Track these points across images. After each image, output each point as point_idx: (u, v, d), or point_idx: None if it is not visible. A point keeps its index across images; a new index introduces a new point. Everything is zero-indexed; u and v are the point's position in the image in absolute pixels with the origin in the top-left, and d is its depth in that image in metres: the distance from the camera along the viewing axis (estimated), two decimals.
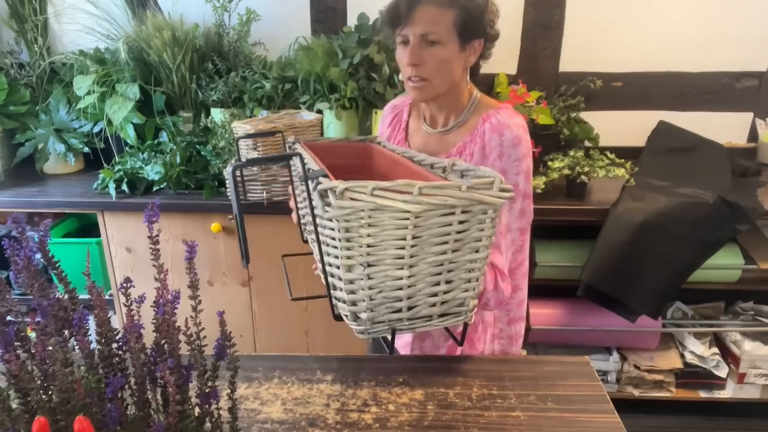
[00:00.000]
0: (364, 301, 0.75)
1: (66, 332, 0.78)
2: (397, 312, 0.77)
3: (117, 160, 2.18)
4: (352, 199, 0.69)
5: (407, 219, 0.71)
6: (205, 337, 0.79)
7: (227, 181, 0.67)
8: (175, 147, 2.09)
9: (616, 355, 2.23)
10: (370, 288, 0.74)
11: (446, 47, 1.14)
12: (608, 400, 1.11)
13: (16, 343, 0.74)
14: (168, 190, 2.08)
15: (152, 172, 2.06)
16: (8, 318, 0.76)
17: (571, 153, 2.09)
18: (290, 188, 1.23)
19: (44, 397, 0.72)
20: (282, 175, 1.96)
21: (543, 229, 2.10)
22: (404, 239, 0.72)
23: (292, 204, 1.26)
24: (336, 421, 1.05)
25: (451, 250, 0.76)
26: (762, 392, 2.24)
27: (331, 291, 0.82)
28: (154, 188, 2.09)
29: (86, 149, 2.29)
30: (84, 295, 0.79)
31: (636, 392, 2.25)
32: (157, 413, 0.78)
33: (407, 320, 0.78)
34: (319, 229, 0.79)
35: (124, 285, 0.78)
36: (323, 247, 0.80)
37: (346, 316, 0.78)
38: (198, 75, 2.24)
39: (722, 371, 2.22)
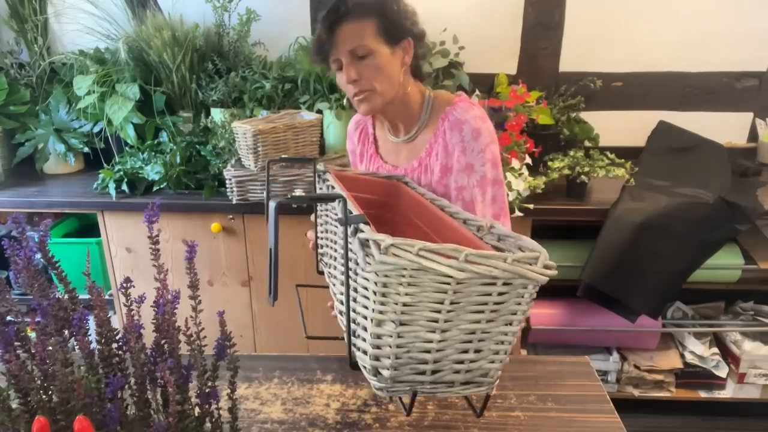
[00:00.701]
0: (389, 358, 0.73)
1: (66, 332, 0.78)
2: (421, 374, 0.76)
3: (117, 160, 2.18)
4: (395, 255, 0.67)
5: (449, 284, 0.69)
6: (205, 337, 0.79)
7: (269, 217, 0.64)
8: (175, 147, 2.09)
9: (616, 355, 2.23)
10: (398, 346, 0.73)
11: (377, 55, 1.16)
12: (608, 400, 1.11)
13: (16, 343, 0.74)
14: (168, 190, 2.08)
15: (152, 172, 2.06)
16: (8, 318, 0.76)
17: (571, 153, 2.09)
18: (312, 217, 1.22)
19: (44, 397, 0.72)
20: (282, 176, 1.96)
21: (543, 229, 2.10)
22: (442, 303, 0.71)
23: (311, 234, 1.25)
24: (336, 421, 1.05)
25: (485, 320, 0.74)
26: (762, 392, 2.24)
27: (353, 338, 0.80)
28: (154, 188, 2.09)
29: (86, 149, 2.29)
30: (84, 295, 0.79)
31: (636, 392, 2.25)
32: (157, 413, 0.78)
33: (429, 383, 0.77)
34: (352, 275, 0.77)
35: (124, 285, 0.78)
36: (352, 293, 0.79)
37: (365, 367, 0.76)
38: (198, 75, 2.24)
39: (722, 371, 2.22)
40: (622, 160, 2.04)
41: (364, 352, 0.77)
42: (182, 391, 0.74)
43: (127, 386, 0.76)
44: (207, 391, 0.76)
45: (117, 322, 2.19)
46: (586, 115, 2.31)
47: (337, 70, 1.20)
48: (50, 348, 0.72)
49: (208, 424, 0.79)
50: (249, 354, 1.29)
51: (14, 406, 0.72)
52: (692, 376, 2.24)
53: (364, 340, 0.76)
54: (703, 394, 2.26)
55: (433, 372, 0.75)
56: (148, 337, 0.74)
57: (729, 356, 2.26)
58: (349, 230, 0.75)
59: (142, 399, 0.75)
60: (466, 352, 0.75)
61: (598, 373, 1.22)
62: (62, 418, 0.70)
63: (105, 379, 0.75)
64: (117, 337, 0.78)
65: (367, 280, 0.72)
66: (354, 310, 0.79)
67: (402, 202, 1.24)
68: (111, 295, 2.19)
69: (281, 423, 1.05)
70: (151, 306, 0.77)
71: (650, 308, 2.03)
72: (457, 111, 1.22)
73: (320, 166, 1.19)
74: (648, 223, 1.93)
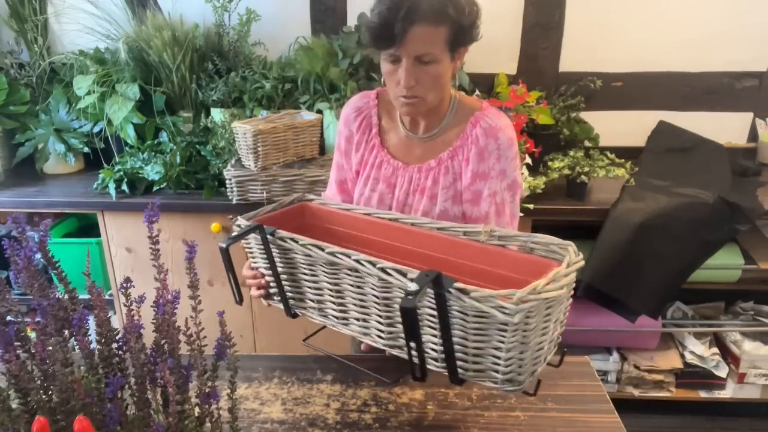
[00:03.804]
0: (521, 367, 0.88)
1: (66, 332, 0.77)
2: (537, 364, 0.92)
3: (117, 160, 2.18)
4: (525, 302, 0.81)
5: (554, 299, 0.86)
6: (205, 337, 0.79)
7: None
8: (175, 147, 2.09)
9: (616, 355, 2.23)
10: (529, 359, 0.88)
11: (439, 64, 1.11)
12: (608, 400, 1.11)
13: (16, 343, 0.74)
14: (168, 190, 2.08)
15: (152, 172, 2.06)
16: (8, 318, 0.76)
17: (571, 153, 2.09)
18: (247, 270, 1.18)
19: (44, 397, 0.72)
20: (282, 176, 1.97)
21: (543, 229, 2.09)
22: (550, 315, 0.88)
23: (254, 282, 1.17)
24: (336, 421, 1.05)
25: (563, 308, 0.95)
26: (762, 392, 2.24)
27: (460, 363, 0.92)
28: (154, 188, 2.09)
29: (86, 149, 2.28)
30: (84, 295, 0.79)
31: (636, 392, 2.25)
32: (157, 413, 0.78)
33: (541, 365, 0.93)
34: (455, 320, 0.88)
35: (124, 285, 0.78)
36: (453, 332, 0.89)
37: (495, 382, 0.89)
38: (198, 75, 2.24)
39: (722, 371, 2.22)
40: (622, 160, 2.04)
41: (495, 372, 0.89)
42: (182, 391, 0.74)
43: (127, 386, 0.76)
44: (207, 391, 0.76)
45: (117, 322, 2.19)
46: (586, 115, 2.31)
47: (390, 62, 1.12)
48: (50, 348, 0.72)
49: (208, 424, 0.79)
50: (249, 354, 1.29)
51: (14, 406, 0.72)
52: (692, 376, 2.24)
53: (478, 364, 0.89)
54: (703, 394, 2.26)
55: (544, 359, 0.93)
56: (148, 337, 0.74)
57: (729, 356, 2.26)
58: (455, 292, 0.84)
59: (142, 399, 0.75)
60: (554, 331, 0.94)
61: (598, 373, 1.22)
62: (62, 418, 0.70)
63: (105, 379, 0.75)
64: (117, 337, 0.78)
65: (486, 323, 0.85)
66: (466, 346, 0.89)
67: (318, 220, 1.25)
68: (111, 295, 2.19)
69: (281, 423, 1.05)
70: (151, 306, 0.77)
71: (650, 308, 2.03)
72: (489, 117, 1.21)
73: (240, 221, 1.12)
74: (648, 223, 1.93)
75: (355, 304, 1.02)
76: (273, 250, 1.09)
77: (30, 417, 0.71)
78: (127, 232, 2.07)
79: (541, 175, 2.03)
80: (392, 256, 1.12)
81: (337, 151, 1.38)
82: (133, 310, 0.77)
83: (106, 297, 2.19)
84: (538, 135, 2.14)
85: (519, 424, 1.04)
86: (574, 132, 2.22)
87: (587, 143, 2.27)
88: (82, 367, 0.77)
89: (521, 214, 1.93)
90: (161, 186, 2.08)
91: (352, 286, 1.00)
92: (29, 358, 0.76)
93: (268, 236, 1.07)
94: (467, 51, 1.18)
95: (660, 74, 2.35)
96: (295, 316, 1.14)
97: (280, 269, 1.11)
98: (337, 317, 1.07)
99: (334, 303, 1.05)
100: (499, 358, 0.86)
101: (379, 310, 0.98)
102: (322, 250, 0.99)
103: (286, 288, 1.12)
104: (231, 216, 2.01)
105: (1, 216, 2.37)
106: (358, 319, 1.03)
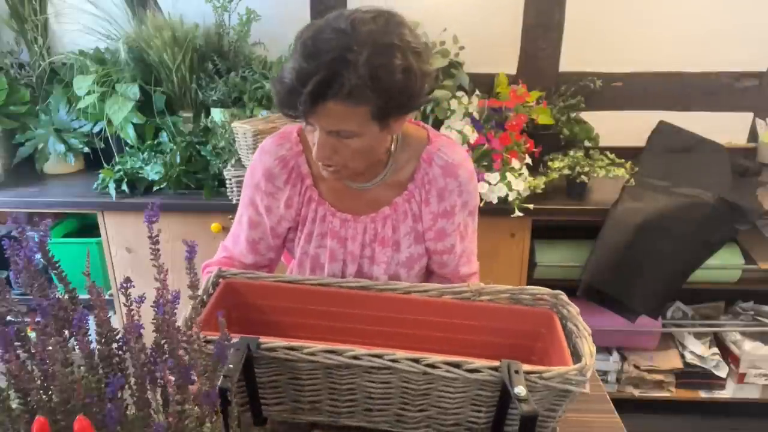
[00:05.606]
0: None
1: (66, 332, 0.77)
2: None
3: (117, 160, 2.18)
4: (589, 369, 0.91)
5: None
6: (205, 336, 0.79)
7: None
8: (175, 147, 2.09)
9: (616, 355, 2.23)
10: None
11: (362, 138, 0.97)
12: (608, 400, 1.11)
13: (16, 343, 0.74)
14: (168, 190, 2.08)
15: (152, 172, 2.06)
16: (8, 318, 0.76)
17: (571, 153, 2.09)
18: None
19: (44, 397, 0.72)
20: None
21: (543, 229, 2.10)
22: None
23: None
24: None
25: None
26: (762, 392, 2.24)
27: None
28: (154, 188, 2.09)
29: (86, 149, 2.28)
30: (84, 295, 0.79)
31: (636, 392, 2.25)
32: (157, 413, 0.78)
33: None
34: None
35: (124, 285, 0.77)
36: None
37: None
38: (198, 75, 2.24)
39: (722, 371, 2.22)
40: (622, 160, 2.04)
41: None
42: (182, 391, 0.74)
43: (127, 386, 0.76)
44: (207, 391, 0.76)
45: (117, 322, 2.19)
46: (586, 115, 2.31)
47: (308, 125, 1.00)
48: (50, 348, 0.72)
49: (208, 424, 0.79)
50: None
51: (14, 406, 0.72)
52: (692, 376, 2.24)
53: None
54: (703, 394, 2.26)
55: None
56: (148, 337, 0.74)
57: (729, 356, 2.26)
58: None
59: (142, 399, 0.75)
60: None
61: (598, 373, 1.22)
62: (62, 418, 0.70)
63: (105, 379, 0.75)
64: (117, 337, 0.78)
65: (549, 392, 0.88)
66: None
67: (260, 297, 1.09)
68: (111, 295, 2.19)
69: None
70: (151, 306, 0.77)
71: (650, 308, 2.03)
72: (444, 153, 1.12)
73: None
74: (648, 223, 1.93)
75: (371, 398, 0.91)
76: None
77: (30, 417, 0.71)
78: (127, 232, 2.07)
79: (541, 175, 2.03)
80: (370, 326, 1.04)
81: (250, 207, 1.19)
82: (133, 310, 0.77)
83: (106, 297, 2.19)
84: (538, 135, 2.14)
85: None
86: (574, 132, 2.22)
87: (587, 143, 2.26)
88: (82, 367, 0.77)
89: (521, 214, 1.94)
90: (161, 186, 2.08)
91: (373, 382, 0.89)
92: (29, 358, 0.76)
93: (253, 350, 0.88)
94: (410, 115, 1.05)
95: (660, 74, 2.35)
96: (265, 421, 0.99)
97: (259, 379, 0.93)
98: (337, 413, 0.95)
99: (339, 401, 0.93)
100: (554, 419, 0.91)
101: (409, 400, 0.90)
102: (339, 354, 0.85)
103: (261, 394, 0.96)
104: (231, 216, 2.01)
105: (1, 216, 2.37)
106: (371, 410, 0.93)
